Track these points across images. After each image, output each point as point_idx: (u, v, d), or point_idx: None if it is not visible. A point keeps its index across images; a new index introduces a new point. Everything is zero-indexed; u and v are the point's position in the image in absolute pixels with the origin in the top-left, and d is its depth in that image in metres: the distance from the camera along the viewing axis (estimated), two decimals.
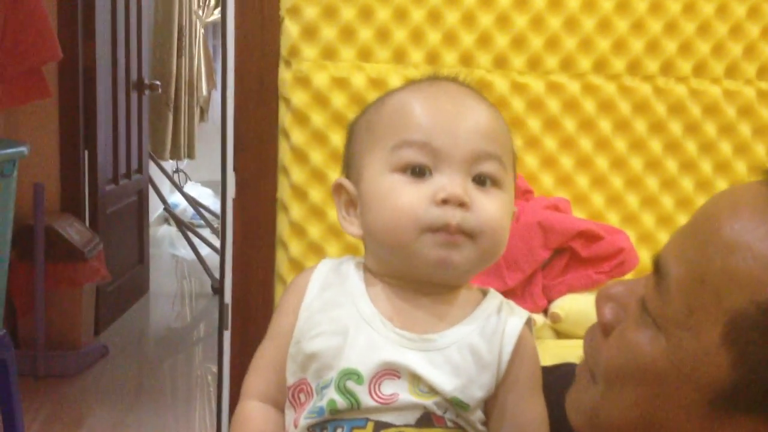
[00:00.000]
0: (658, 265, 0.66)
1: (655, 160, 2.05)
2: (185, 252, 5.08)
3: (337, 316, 0.79)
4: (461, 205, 0.76)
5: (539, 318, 1.79)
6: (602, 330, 0.71)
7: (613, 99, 2.01)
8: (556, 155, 2.01)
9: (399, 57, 1.96)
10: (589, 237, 1.82)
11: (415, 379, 0.75)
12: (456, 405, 0.76)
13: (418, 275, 0.78)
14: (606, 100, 2.02)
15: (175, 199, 5.51)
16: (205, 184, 6.06)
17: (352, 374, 0.76)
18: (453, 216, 0.75)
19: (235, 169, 1.97)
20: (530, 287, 1.80)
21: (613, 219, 2.03)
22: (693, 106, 2.03)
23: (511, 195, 0.81)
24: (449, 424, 0.76)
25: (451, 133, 0.77)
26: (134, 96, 4.22)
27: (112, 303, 3.92)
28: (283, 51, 1.93)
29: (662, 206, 2.05)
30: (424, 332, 0.78)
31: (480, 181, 0.78)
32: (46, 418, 2.99)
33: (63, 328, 3.37)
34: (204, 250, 4.69)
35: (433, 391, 0.75)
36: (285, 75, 1.93)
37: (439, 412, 0.75)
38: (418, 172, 0.77)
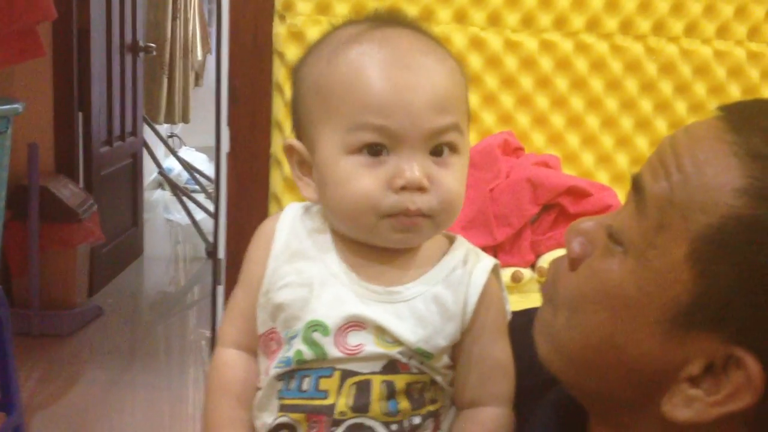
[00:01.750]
0: (635, 182, 0.69)
1: (645, 120, 2.07)
2: (179, 216, 5.08)
3: (303, 268, 0.79)
4: (420, 188, 0.75)
5: (527, 272, 1.82)
6: (570, 263, 0.72)
7: (605, 58, 2.03)
8: (547, 114, 2.03)
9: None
10: (578, 193, 1.84)
11: (380, 331, 0.76)
12: (420, 354, 0.77)
13: (379, 245, 0.79)
14: (598, 59, 2.03)
15: (170, 163, 5.50)
16: (200, 149, 6.05)
17: (318, 326, 0.77)
18: (412, 202, 0.75)
19: (228, 124, 1.98)
20: (519, 242, 1.82)
21: (602, 177, 2.05)
22: (684, 66, 2.05)
23: (466, 153, 0.80)
24: (414, 370, 0.77)
25: (408, 113, 0.74)
26: (129, 58, 4.21)
27: (106, 265, 3.93)
28: (278, 5, 1.93)
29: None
30: (389, 284, 0.78)
31: (438, 152, 0.76)
32: (40, 377, 3.01)
33: (57, 288, 3.39)
34: (198, 215, 4.69)
35: (397, 341, 0.76)
36: (279, 29, 1.94)
37: (404, 360, 0.77)
38: (375, 152, 0.75)
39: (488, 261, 0.82)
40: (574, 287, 0.71)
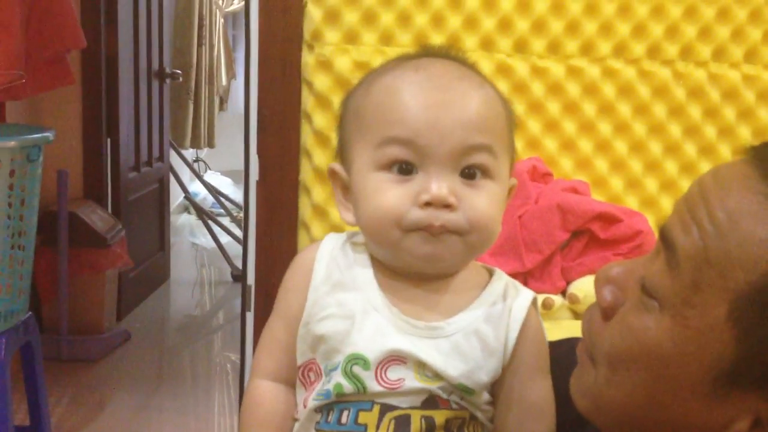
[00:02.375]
0: (664, 237, 0.67)
1: (674, 145, 2.06)
2: (205, 240, 5.11)
3: (345, 300, 0.79)
4: (446, 206, 0.74)
5: (558, 299, 1.81)
6: (602, 313, 0.71)
7: (632, 83, 2.03)
8: (575, 139, 2.03)
9: (420, 40, 1.97)
10: (608, 219, 1.83)
11: (421, 366, 0.76)
12: (461, 389, 0.77)
13: (409, 268, 0.79)
14: (625, 84, 2.03)
15: (195, 187, 5.54)
16: (225, 173, 6.09)
17: (359, 359, 0.76)
18: (436, 218, 0.74)
19: (258, 153, 2.00)
20: (549, 268, 1.81)
21: (631, 202, 2.05)
22: (712, 91, 2.04)
23: (503, 181, 0.79)
24: (454, 406, 0.77)
25: (437, 129, 0.74)
26: (155, 85, 4.25)
27: (133, 289, 3.95)
28: (306, 35, 1.96)
29: (681, 190, 2.03)
30: (430, 320, 0.78)
31: (469, 174, 0.76)
32: (69, 401, 3.03)
33: (86, 313, 3.41)
34: (224, 239, 4.71)
35: (438, 376, 0.76)
36: (308, 59, 1.96)
37: (444, 396, 0.76)
38: (405, 171, 0.76)
39: (527, 295, 0.82)
40: (610, 344, 0.69)
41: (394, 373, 0.76)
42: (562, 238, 1.82)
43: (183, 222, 5.84)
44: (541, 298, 1.80)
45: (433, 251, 0.76)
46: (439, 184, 0.74)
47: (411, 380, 0.76)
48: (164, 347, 3.84)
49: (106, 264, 3.42)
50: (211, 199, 5.41)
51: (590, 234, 1.83)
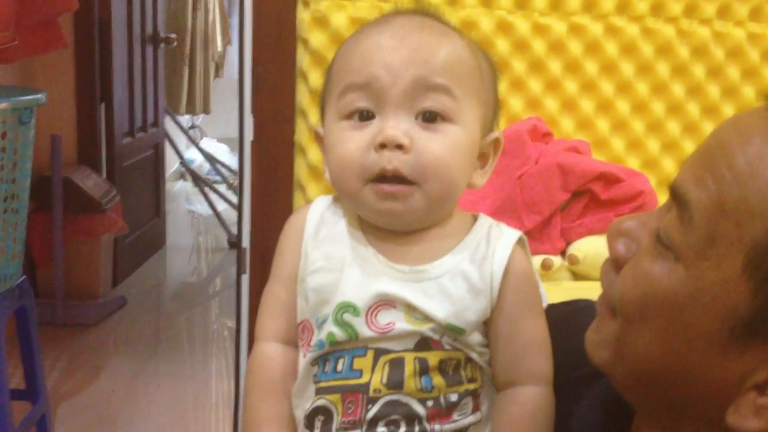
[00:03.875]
0: (676, 193, 0.64)
1: (677, 104, 2.03)
2: (201, 207, 5.10)
3: (332, 252, 0.80)
4: (399, 147, 0.74)
5: (557, 260, 1.79)
6: (615, 265, 0.70)
7: (635, 41, 1.99)
8: (577, 98, 2.00)
9: None
10: (609, 179, 1.81)
11: (410, 309, 0.76)
12: (451, 329, 0.77)
13: (376, 223, 0.80)
14: (628, 43, 2.00)
15: (191, 154, 5.52)
16: (221, 140, 6.06)
17: (348, 307, 0.77)
18: (389, 161, 0.75)
19: (252, 113, 1.96)
20: (548, 229, 1.79)
21: (633, 163, 2.02)
22: (716, 49, 2.01)
23: (469, 128, 0.78)
24: (447, 347, 0.77)
25: (390, 70, 0.75)
26: (149, 49, 4.22)
27: (129, 255, 3.95)
28: None
29: (683, 151, 2.03)
30: (416, 264, 0.78)
31: (428, 118, 0.76)
32: (65, 366, 3.04)
33: (81, 278, 3.42)
34: (220, 206, 4.70)
35: (427, 318, 0.76)
36: (303, 15, 1.92)
37: (435, 337, 0.76)
38: (364, 117, 0.77)
39: (511, 234, 0.81)
40: (622, 290, 0.67)
41: (384, 317, 0.76)
42: (562, 198, 1.79)
43: (179, 189, 5.84)
44: (540, 258, 1.78)
45: (391, 207, 0.77)
46: (393, 125, 0.75)
47: (401, 323, 0.76)
48: (161, 313, 3.85)
49: (101, 229, 3.42)
50: (207, 165, 5.39)
51: (591, 194, 1.81)
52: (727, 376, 0.61)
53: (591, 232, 1.80)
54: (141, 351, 3.28)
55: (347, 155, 0.77)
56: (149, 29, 4.18)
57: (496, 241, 0.79)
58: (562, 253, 1.82)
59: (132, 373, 3.07)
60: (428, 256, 0.79)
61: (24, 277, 2.25)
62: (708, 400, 0.63)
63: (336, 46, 1.88)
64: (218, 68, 5.87)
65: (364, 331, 0.76)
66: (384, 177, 0.75)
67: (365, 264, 0.78)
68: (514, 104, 1.98)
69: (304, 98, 1.95)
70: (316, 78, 1.92)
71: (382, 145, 0.74)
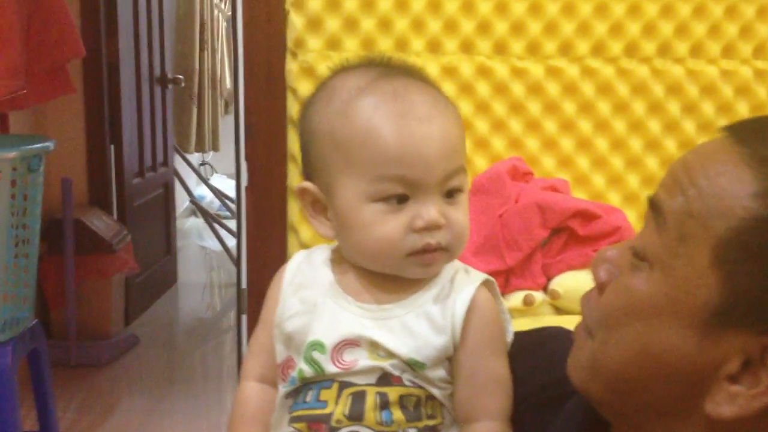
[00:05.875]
0: (653, 204, 0.73)
1: (654, 141, 2.09)
2: (213, 243, 5.12)
3: (306, 297, 0.88)
4: (437, 227, 0.83)
5: (539, 295, 1.84)
6: (599, 289, 0.76)
7: (611, 81, 2.06)
8: (556, 138, 2.06)
9: (401, 46, 2.02)
10: (587, 216, 1.86)
11: (374, 346, 0.83)
12: (412, 364, 0.83)
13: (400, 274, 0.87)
14: (604, 83, 2.06)
15: (202, 191, 5.58)
16: (231, 176, 6.09)
17: (317, 345, 0.84)
18: (432, 238, 0.83)
19: (246, 158, 2.04)
20: (529, 266, 1.85)
21: (613, 199, 2.08)
22: (690, 87, 2.07)
23: (467, 189, 0.89)
24: (407, 383, 0.83)
25: (426, 163, 0.82)
26: (158, 90, 4.29)
27: (141, 294, 3.98)
28: (290, 42, 2.00)
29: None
30: (383, 303, 0.86)
31: (450, 194, 0.85)
32: (78, 407, 3.06)
33: (94, 318, 3.45)
34: (231, 241, 4.71)
35: (390, 354, 0.83)
36: (292, 66, 2.00)
37: (396, 373, 0.83)
38: (401, 200, 0.83)
39: (477, 276, 0.88)
40: (606, 307, 0.75)
41: (349, 355, 0.83)
42: (542, 235, 1.85)
43: (190, 225, 5.86)
44: (522, 295, 1.83)
45: (428, 270, 0.86)
46: (430, 210, 0.83)
47: (364, 359, 0.83)
48: (173, 350, 3.86)
49: (113, 269, 3.46)
50: (217, 202, 5.44)
51: (570, 231, 1.86)
52: (701, 369, 0.68)
53: (571, 267, 1.85)
54: (154, 389, 3.29)
55: (388, 237, 0.83)
56: (157, 71, 4.26)
57: (461, 283, 0.86)
58: (544, 289, 1.87)
59: (145, 411, 3.09)
60: (394, 295, 0.86)
61: (36, 320, 2.30)
62: (684, 396, 0.70)
63: None
64: (227, 105, 5.96)
65: (330, 368, 0.83)
66: (427, 250, 0.84)
67: (335, 306, 0.86)
68: (496, 144, 2.05)
69: (295, 145, 2.02)
70: None
71: (422, 228, 0.83)
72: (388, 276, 0.86)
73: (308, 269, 0.90)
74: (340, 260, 0.90)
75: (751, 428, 0.68)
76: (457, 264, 0.90)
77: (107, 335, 3.50)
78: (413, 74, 0.89)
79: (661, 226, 0.70)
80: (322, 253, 0.92)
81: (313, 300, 0.87)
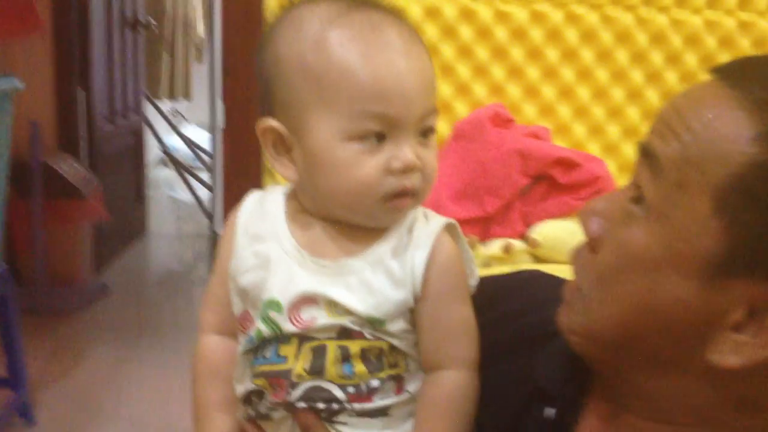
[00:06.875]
0: (646, 150, 0.70)
1: (636, 91, 2.07)
2: (184, 194, 5.09)
3: (260, 250, 0.82)
4: (413, 169, 0.78)
5: (518, 243, 1.83)
6: (590, 246, 0.73)
7: (595, 28, 2.03)
8: (538, 85, 2.04)
9: None
10: (567, 164, 1.85)
11: (332, 304, 0.79)
12: (371, 321, 0.79)
13: (363, 225, 0.82)
14: (588, 30, 2.03)
15: (172, 141, 5.51)
16: (202, 125, 6.04)
17: (273, 304, 0.80)
18: (408, 180, 0.78)
19: (223, 99, 2.00)
20: (509, 213, 1.83)
21: (594, 149, 2.06)
22: (674, 37, 2.05)
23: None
24: (368, 336, 0.79)
25: (406, 99, 0.78)
26: (129, 34, 4.20)
27: (110, 242, 3.95)
28: None
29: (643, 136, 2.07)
30: (339, 258, 0.81)
31: (424, 134, 0.80)
32: (47, 354, 3.04)
33: (62, 264, 3.42)
34: (202, 192, 4.70)
35: (348, 312, 0.79)
36: (270, 2, 1.94)
37: (355, 328, 0.79)
38: (380, 138, 0.78)
39: (437, 222, 0.83)
40: (602, 265, 0.71)
41: (307, 313, 0.79)
42: (523, 182, 1.84)
43: (161, 175, 5.81)
44: (501, 242, 1.82)
45: (397, 217, 0.81)
46: (406, 151, 0.78)
47: (323, 317, 0.79)
48: (144, 300, 3.84)
49: (82, 216, 3.42)
50: (189, 152, 5.38)
51: (550, 179, 1.85)
52: (704, 320, 0.66)
53: (551, 216, 1.84)
54: (124, 338, 3.27)
55: (365, 180, 0.78)
56: (129, 14, 4.17)
57: (420, 231, 0.81)
58: (523, 237, 1.86)
59: (115, 360, 3.08)
60: (353, 249, 0.81)
61: (5, 265, 2.27)
62: (684, 348, 0.68)
63: None
64: (199, 53, 5.86)
65: (288, 327, 0.79)
66: (400, 194, 0.79)
67: (290, 261, 0.81)
68: (478, 90, 2.02)
69: None
70: None
71: (400, 170, 0.78)
72: (344, 227, 0.82)
73: (261, 218, 0.85)
74: (295, 209, 0.85)
75: (754, 377, 0.67)
76: (418, 210, 0.85)
77: (76, 282, 3.47)
78: (382, 6, 0.82)
79: (657, 174, 0.67)
80: (275, 199, 0.86)
81: (267, 254, 0.82)
